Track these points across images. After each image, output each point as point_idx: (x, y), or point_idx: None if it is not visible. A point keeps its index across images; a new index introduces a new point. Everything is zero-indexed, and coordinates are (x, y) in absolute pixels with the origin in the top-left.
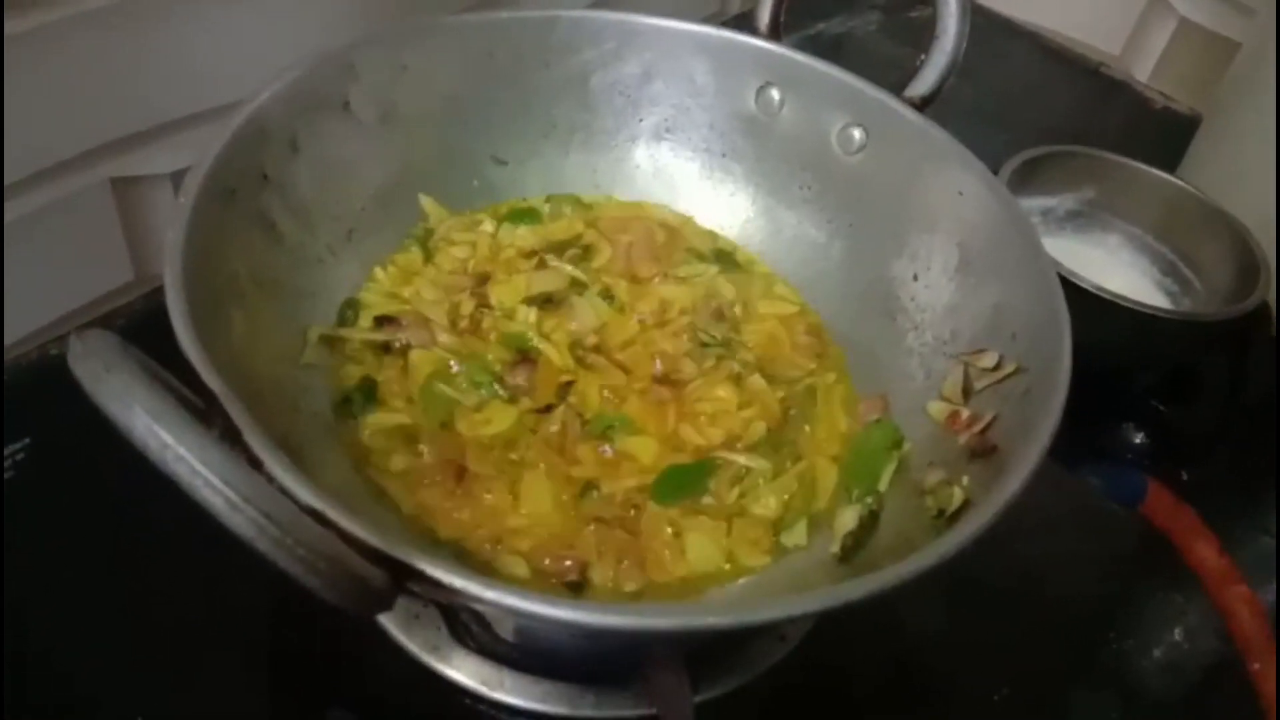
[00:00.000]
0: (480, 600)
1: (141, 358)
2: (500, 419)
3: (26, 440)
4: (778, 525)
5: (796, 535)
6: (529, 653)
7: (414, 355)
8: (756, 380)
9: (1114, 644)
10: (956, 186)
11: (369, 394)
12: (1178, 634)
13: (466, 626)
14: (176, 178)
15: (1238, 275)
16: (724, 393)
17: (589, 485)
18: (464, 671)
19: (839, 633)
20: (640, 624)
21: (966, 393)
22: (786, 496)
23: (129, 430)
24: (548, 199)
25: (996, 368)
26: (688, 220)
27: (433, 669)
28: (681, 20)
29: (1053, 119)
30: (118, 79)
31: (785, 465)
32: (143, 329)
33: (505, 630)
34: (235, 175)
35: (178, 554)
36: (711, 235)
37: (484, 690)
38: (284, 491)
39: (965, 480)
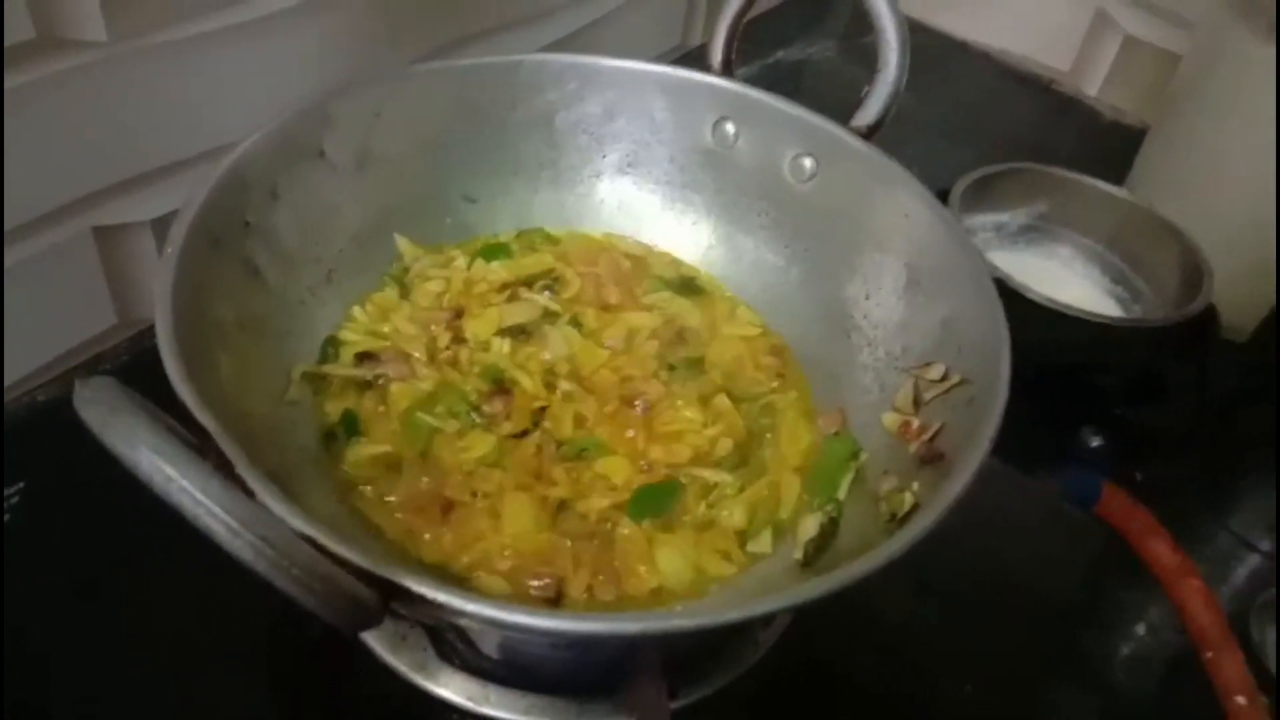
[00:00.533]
0: (463, 613)
1: (141, 400)
2: (479, 445)
3: (21, 484)
4: (744, 535)
5: (762, 544)
6: (513, 668)
7: (394, 388)
8: (722, 400)
9: (1080, 637)
10: (903, 210)
11: (352, 427)
12: (1140, 628)
13: (452, 645)
14: (157, 224)
15: (1184, 281)
16: (691, 413)
17: (564, 505)
18: (451, 688)
19: (811, 636)
20: (609, 629)
21: (916, 404)
22: (752, 508)
23: (135, 467)
24: (518, 235)
25: (943, 379)
26: (652, 250)
27: (421, 687)
28: (645, 55)
29: (1007, 135)
30: (98, 132)
31: (751, 479)
32: (129, 371)
33: (489, 647)
34: (219, 224)
35: (171, 588)
36: (675, 263)
37: (471, 705)
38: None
39: (915, 485)
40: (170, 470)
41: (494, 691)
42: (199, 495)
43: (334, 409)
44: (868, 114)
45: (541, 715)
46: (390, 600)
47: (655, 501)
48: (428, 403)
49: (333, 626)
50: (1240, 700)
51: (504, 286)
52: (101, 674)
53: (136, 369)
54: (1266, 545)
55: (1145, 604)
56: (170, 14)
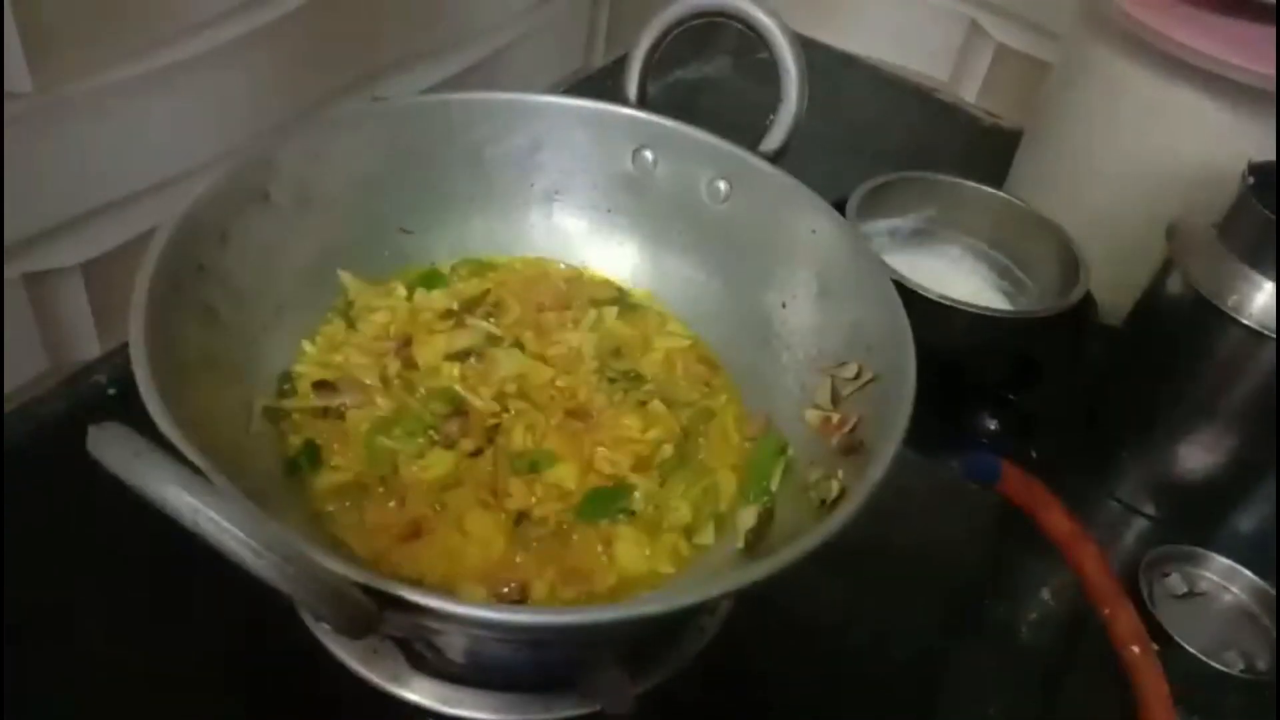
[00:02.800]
0: (454, 617)
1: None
2: (439, 464)
3: None
4: (690, 530)
5: (706, 536)
6: (481, 670)
7: (351, 415)
8: (657, 406)
9: (988, 604)
10: (810, 225)
11: (313, 457)
12: (1043, 592)
13: (421, 655)
14: (86, 268)
15: (1063, 272)
16: (630, 420)
17: (522, 515)
18: (423, 693)
19: (750, 619)
20: (590, 619)
21: (835, 400)
22: (696, 505)
23: (162, 501)
24: (453, 266)
25: (857, 376)
26: (583, 271)
27: (395, 695)
28: (550, 79)
29: (895, 142)
30: (27, 179)
31: (693, 479)
32: (66, 415)
33: (457, 654)
34: (176, 269)
35: (140, 611)
36: (607, 282)
37: (443, 708)
38: None
39: (840, 473)
40: (196, 502)
41: (465, 694)
42: (224, 523)
43: (295, 440)
44: (773, 140)
45: (510, 712)
46: (384, 609)
47: (602, 504)
48: (386, 426)
49: (338, 631)
50: (1135, 649)
51: (448, 313)
52: (75, 699)
53: (72, 413)
54: (1150, 510)
55: (1045, 570)
56: (95, 63)
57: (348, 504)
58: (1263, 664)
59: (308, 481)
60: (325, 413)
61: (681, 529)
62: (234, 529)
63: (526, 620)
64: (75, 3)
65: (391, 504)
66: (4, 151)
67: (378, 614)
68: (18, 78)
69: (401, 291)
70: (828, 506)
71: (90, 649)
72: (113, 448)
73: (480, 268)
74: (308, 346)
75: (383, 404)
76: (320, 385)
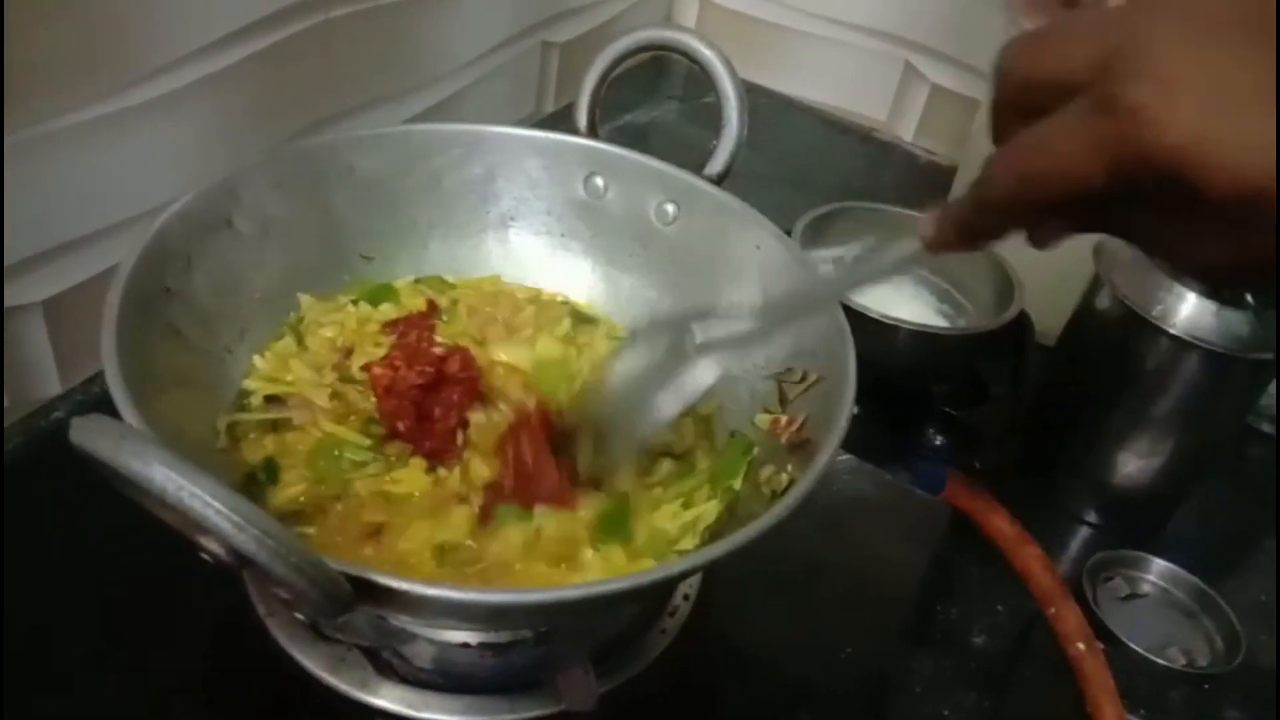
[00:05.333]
0: (423, 598)
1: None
2: (410, 481)
3: None
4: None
5: (687, 543)
6: (447, 675)
7: (290, 436)
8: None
9: (937, 607)
10: (754, 242)
11: (272, 473)
12: (989, 595)
13: (388, 662)
14: (47, 305)
15: (998, 295)
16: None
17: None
18: (391, 699)
19: (708, 621)
20: (578, 594)
21: (783, 402)
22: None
23: (149, 481)
24: (415, 281)
25: (802, 380)
26: (542, 292)
27: (364, 702)
28: (504, 123)
29: (837, 179)
30: None
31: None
32: (27, 452)
33: (424, 660)
34: (144, 291)
35: (109, 651)
36: (566, 302)
37: (412, 713)
38: None
39: (789, 467)
40: (181, 479)
41: (432, 698)
42: (208, 498)
43: (253, 455)
44: (717, 163)
45: (478, 714)
46: (361, 594)
47: (618, 523)
48: (329, 447)
49: (313, 613)
50: (1080, 646)
51: (391, 325)
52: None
53: (32, 449)
54: (1091, 517)
55: (992, 574)
56: (61, 104)
57: (304, 517)
58: (1203, 660)
59: (266, 497)
60: (275, 426)
61: (668, 541)
62: (218, 504)
63: (497, 600)
64: (45, 47)
65: (346, 514)
66: None
67: (352, 594)
68: None
69: (351, 308)
70: (779, 496)
71: (65, 670)
72: (99, 435)
73: (441, 286)
74: (258, 362)
75: (324, 423)
76: (271, 399)
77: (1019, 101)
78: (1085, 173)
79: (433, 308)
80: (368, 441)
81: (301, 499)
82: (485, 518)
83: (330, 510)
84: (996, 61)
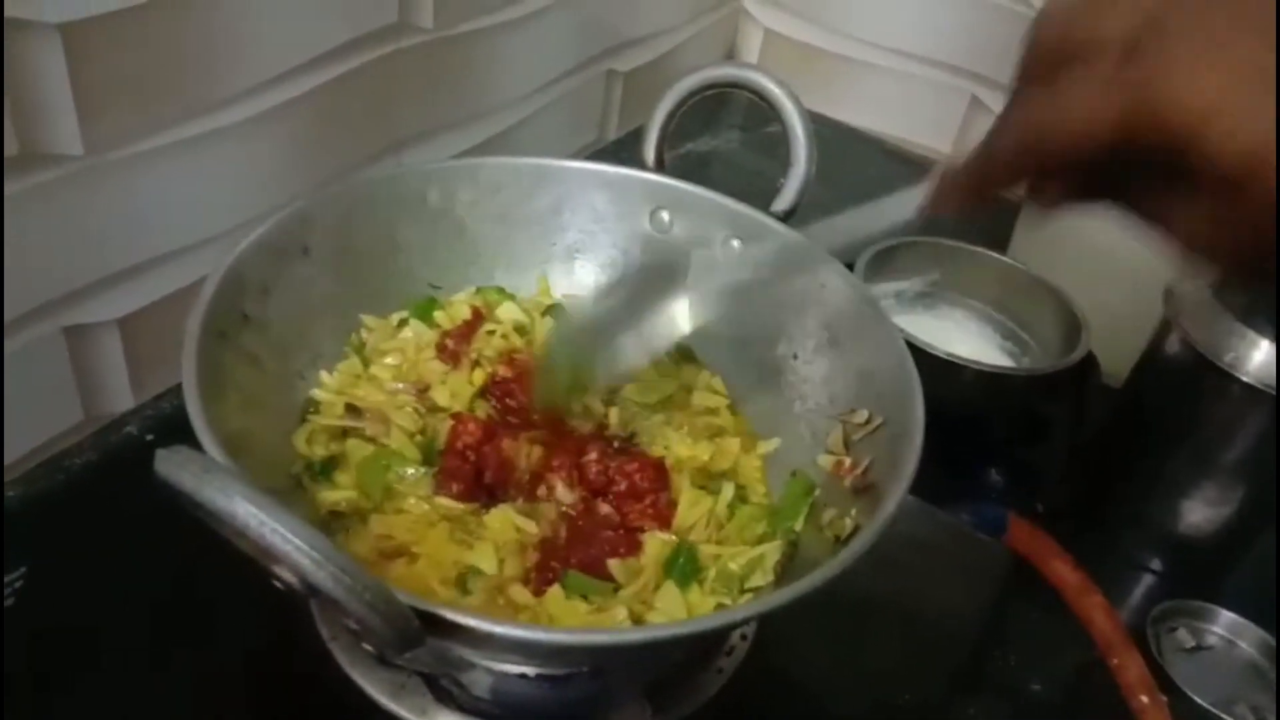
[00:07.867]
0: (491, 635)
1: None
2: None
3: (23, 569)
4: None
5: (757, 580)
6: (503, 705)
7: (351, 443)
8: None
9: (995, 652)
10: (819, 281)
11: (327, 472)
12: (1052, 644)
13: (447, 690)
14: (123, 323)
15: (1064, 334)
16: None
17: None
18: None
19: (766, 662)
20: (645, 637)
21: (847, 445)
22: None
23: (231, 516)
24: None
25: (867, 422)
26: None
27: None
28: (567, 150)
29: None
30: (72, 237)
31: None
32: (97, 464)
33: (482, 690)
34: (222, 318)
35: (176, 669)
36: None
37: None
38: None
39: (853, 512)
40: (263, 515)
41: None
42: (288, 534)
43: (315, 452)
44: (784, 201)
45: None
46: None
47: (690, 566)
48: (379, 458)
49: (382, 646)
50: (1144, 699)
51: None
52: None
53: (105, 463)
54: (1155, 565)
55: (1053, 621)
56: (142, 128)
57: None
58: (1271, 717)
59: (313, 492)
60: (345, 433)
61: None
62: (297, 540)
63: (562, 640)
64: (125, 73)
65: (383, 528)
66: (49, 211)
67: (421, 630)
68: (69, 141)
69: (406, 332)
70: (842, 542)
71: (126, 685)
72: (181, 467)
73: (500, 296)
74: (325, 377)
75: (395, 437)
76: (350, 408)
77: (1048, 61)
78: (1097, 129)
79: (478, 316)
80: (418, 456)
81: (343, 504)
82: (543, 583)
83: (365, 521)
84: (1031, 25)
